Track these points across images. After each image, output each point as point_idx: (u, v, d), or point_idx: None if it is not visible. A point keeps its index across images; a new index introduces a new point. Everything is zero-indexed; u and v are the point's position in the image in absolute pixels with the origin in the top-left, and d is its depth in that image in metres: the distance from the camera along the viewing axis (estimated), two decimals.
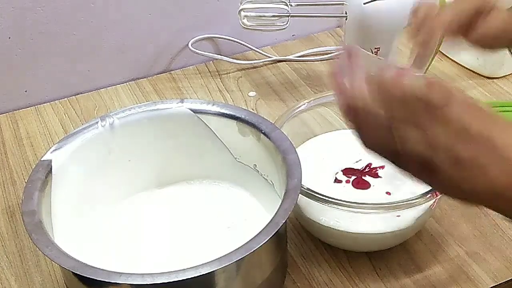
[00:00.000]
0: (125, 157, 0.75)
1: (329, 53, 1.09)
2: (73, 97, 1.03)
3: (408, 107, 0.48)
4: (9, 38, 0.95)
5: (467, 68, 1.05)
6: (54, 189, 0.67)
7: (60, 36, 0.98)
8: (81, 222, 0.70)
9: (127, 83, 1.05)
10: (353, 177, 0.77)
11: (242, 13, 0.94)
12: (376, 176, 0.77)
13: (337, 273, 0.73)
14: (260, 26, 0.95)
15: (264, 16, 0.95)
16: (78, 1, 0.96)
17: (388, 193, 0.74)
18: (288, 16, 0.94)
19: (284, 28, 0.95)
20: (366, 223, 0.72)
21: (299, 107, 0.81)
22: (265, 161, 0.72)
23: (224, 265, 0.56)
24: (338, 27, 1.16)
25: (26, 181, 0.66)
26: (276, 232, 0.59)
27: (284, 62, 1.08)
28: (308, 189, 0.69)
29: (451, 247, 0.76)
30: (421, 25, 0.67)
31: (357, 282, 0.72)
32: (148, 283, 0.55)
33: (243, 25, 0.95)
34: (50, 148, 0.69)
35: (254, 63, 1.08)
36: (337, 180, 0.77)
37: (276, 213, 0.60)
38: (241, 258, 0.57)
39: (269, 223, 0.60)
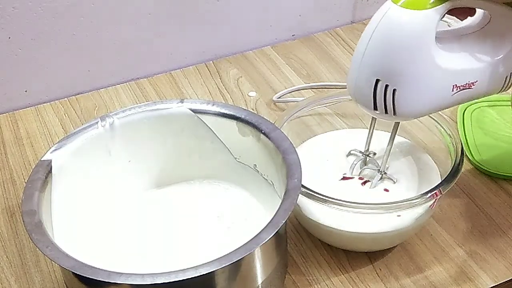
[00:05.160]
0: (125, 157, 0.74)
1: (329, 53, 1.09)
2: (73, 97, 1.03)
3: None
4: (9, 38, 0.95)
5: None
6: (54, 189, 0.67)
7: (60, 36, 0.98)
8: (81, 222, 0.70)
9: (127, 83, 1.05)
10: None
11: None
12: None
13: (337, 273, 0.73)
14: None
15: None
16: (78, 1, 0.96)
17: (386, 190, 0.75)
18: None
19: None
20: (366, 223, 0.72)
21: (299, 107, 0.81)
22: (265, 161, 0.72)
23: (224, 265, 0.56)
24: (338, 27, 1.16)
25: (26, 181, 0.66)
26: (276, 232, 0.59)
27: (284, 62, 1.08)
28: (308, 189, 0.69)
29: (451, 247, 0.76)
30: None
31: (357, 282, 0.72)
32: (148, 283, 0.55)
33: None
34: (50, 148, 0.69)
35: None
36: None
37: (276, 213, 0.60)
38: (241, 258, 0.57)
39: (269, 223, 0.60)
